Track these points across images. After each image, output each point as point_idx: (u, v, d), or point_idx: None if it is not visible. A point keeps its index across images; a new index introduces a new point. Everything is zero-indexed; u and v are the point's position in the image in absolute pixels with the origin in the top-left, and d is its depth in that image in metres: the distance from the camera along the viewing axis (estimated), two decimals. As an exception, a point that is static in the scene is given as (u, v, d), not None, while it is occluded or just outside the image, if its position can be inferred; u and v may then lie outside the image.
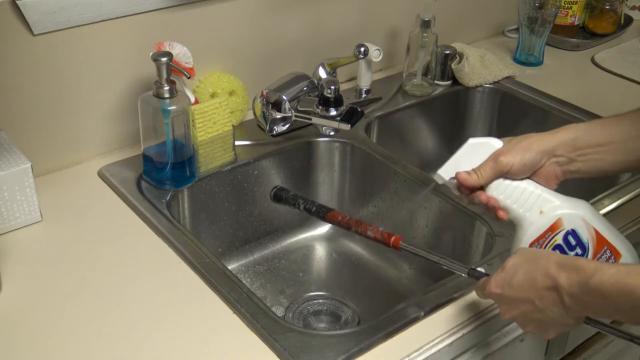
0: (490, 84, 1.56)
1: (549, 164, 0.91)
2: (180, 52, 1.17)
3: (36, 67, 1.12)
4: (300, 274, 1.30)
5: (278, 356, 0.86)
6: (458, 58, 1.52)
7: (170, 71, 1.10)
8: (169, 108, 1.11)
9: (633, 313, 0.73)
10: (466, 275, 0.91)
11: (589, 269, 0.74)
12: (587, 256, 0.88)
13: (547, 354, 1.15)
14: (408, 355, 0.88)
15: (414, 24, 1.45)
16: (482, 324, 0.94)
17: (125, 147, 1.27)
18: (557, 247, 0.88)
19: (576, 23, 1.77)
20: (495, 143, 0.94)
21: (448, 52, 1.51)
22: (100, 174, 1.20)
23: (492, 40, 1.79)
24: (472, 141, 0.95)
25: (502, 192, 0.92)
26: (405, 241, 0.97)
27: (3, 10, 1.06)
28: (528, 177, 0.92)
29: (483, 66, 1.54)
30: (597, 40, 1.79)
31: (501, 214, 0.92)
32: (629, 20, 1.87)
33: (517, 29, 1.70)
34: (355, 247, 1.36)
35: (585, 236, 0.88)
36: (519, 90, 1.55)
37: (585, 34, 1.82)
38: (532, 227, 0.90)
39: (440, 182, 0.97)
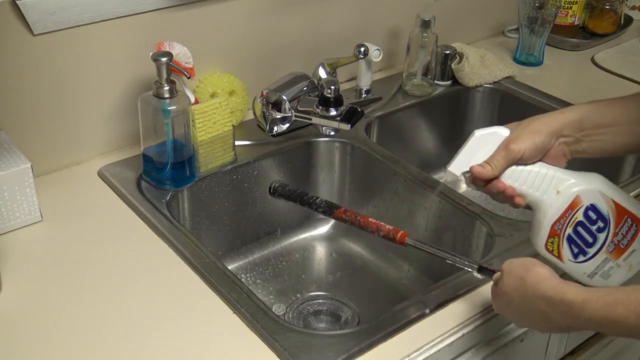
0: (490, 84, 1.56)
1: (558, 144, 0.91)
2: (180, 52, 1.18)
3: (36, 67, 1.12)
4: (300, 274, 1.30)
5: (278, 356, 0.86)
6: (458, 58, 1.52)
7: (170, 71, 1.10)
8: (169, 108, 1.11)
9: (628, 335, 0.74)
10: (476, 272, 0.91)
11: (577, 304, 0.75)
12: (609, 228, 0.88)
13: (547, 354, 1.15)
14: (408, 355, 0.88)
15: (414, 24, 1.45)
16: (482, 324, 0.94)
17: (125, 147, 1.27)
18: (579, 223, 0.88)
19: (576, 23, 1.77)
20: (503, 132, 0.93)
21: (448, 52, 1.51)
22: (100, 174, 1.20)
23: (492, 40, 1.79)
24: (478, 133, 0.94)
25: (517, 179, 0.91)
26: (411, 237, 0.96)
27: (3, 10, 1.06)
28: (539, 160, 0.92)
29: (483, 66, 1.54)
30: (597, 40, 1.79)
31: (518, 200, 0.92)
32: (629, 20, 1.87)
33: (517, 29, 1.70)
34: (355, 247, 1.36)
35: (605, 209, 0.88)
36: (519, 90, 1.55)
37: (585, 34, 1.82)
38: (551, 209, 0.89)
39: (450, 179, 0.96)
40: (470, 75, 1.52)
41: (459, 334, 0.92)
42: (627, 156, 1.37)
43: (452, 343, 0.91)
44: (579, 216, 0.89)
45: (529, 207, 0.92)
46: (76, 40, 1.14)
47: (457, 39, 1.61)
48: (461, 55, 1.52)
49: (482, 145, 0.93)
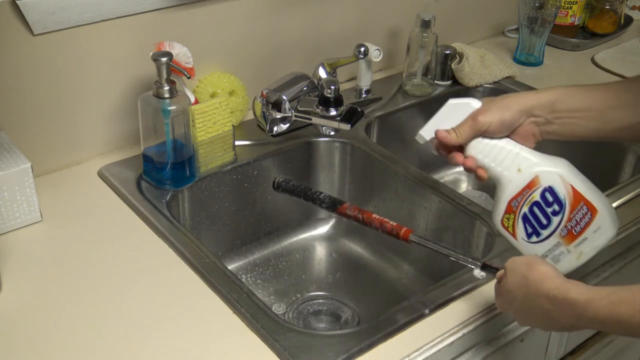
0: (490, 84, 1.56)
1: (527, 123, 0.91)
2: (180, 52, 1.18)
3: (36, 67, 1.12)
4: (301, 274, 1.30)
5: (278, 356, 0.86)
6: (458, 58, 1.53)
7: (170, 71, 1.10)
8: (169, 108, 1.11)
9: (632, 334, 0.74)
10: (480, 270, 0.91)
11: (581, 303, 0.75)
12: (564, 212, 0.89)
13: (547, 354, 1.15)
14: (408, 355, 0.88)
15: (414, 24, 1.45)
16: (482, 324, 0.94)
17: (125, 147, 1.27)
18: (535, 203, 0.90)
19: (576, 23, 1.77)
20: (475, 103, 0.95)
21: (448, 52, 1.51)
22: (100, 174, 1.20)
23: (492, 40, 1.79)
24: (452, 101, 0.96)
25: (481, 151, 0.93)
26: (415, 234, 0.95)
27: (3, 10, 1.06)
28: (507, 136, 0.93)
29: (483, 66, 1.54)
30: (597, 40, 1.79)
31: (480, 172, 0.93)
32: (629, 20, 1.87)
33: (517, 29, 1.70)
34: (355, 247, 1.36)
35: (562, 193, 0.89)
36: (519, 90, 1.55)
37: (585, 34, 1.82)
38: (510, 185, 0.91)
39: (421, 142, 0.99)
40: (470, 75, 1.52)
41: (459, 334, 0.92)
42: (627, 156, 1.37)
43: (452, 343, 0.91)
44: (536, 196, 0.89)
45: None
46: (76, 40, 1.14)
47: (457, 39, 1.61)
48: (461, 55, 1.52)
49: (454, 113, 0.95)
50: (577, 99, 0.90)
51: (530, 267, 0.81)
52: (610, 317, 0.73)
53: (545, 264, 0.82)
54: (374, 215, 0.98)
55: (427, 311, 0.94)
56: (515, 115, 0.91)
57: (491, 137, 0.92)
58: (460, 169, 1.62)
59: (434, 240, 0.95)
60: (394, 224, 0.97)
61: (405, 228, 0.96)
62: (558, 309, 0.77)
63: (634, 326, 0.71)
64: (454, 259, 0.93)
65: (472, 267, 0.93)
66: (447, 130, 0.94)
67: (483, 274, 1.00)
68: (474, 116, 0.92)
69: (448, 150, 0.95)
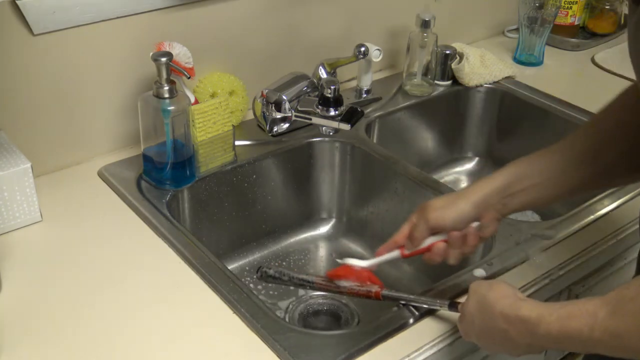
0: (490, 84, 1.56)
1: (486, 213, 0.91)
2: (180, 52, 1.18)
3: (36, 67, 1.12)
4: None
5: (278, 356, 0.86)
6: (458, 58, 1.52)
7: (170, 71, 1.10)
8: (169, 108, 1.11)
9: (585, 349, 0.74)
10: (447, 309, 0.90)
11: (532, 319, 0.74)
12: None
13: (547, 354, 1.15)
14: (408, 355, 0.88)
15: (414, 24, 1.45)
16: (482, 324, 0.94)
17: (125, 147, 1.27)
18: None
19: (576, 23, 1.77)
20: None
21: (448, 52, 1.51)
22: (100, 174, 1.20)
23: (492, 40, 1.79)
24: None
25: None
26: (385, 290, 0.94)
27: (3, 10, 1.06)
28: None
29: (483, 66, 1.54)
30: (597, 40, 1.79)
31: None
32: (629, 20, 1.87)
33: (517, 29, 1.70)
34: (355, 247, 1.36)
35: None
36: (519, 90, 1.55)
37: (585, 34, 1.82)
38: None
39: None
40: (470, 75, 1.52)
41: (459, 334, 0.91)
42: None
43: (452, 343, 0.91)
44: None
45: None
46: (76, 40, 1.14)
47: (457, 39, 1.61)
48: (461, 55, 1.52)
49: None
50: (526, 175, 0.90)
51: (490, 287, 0.81)
52: (561, 332, 0.72)
53: (507, 284, 0.81)
54: (343, 285, 0.96)
55: (427, 311, 0.93)
56: (471, 212, 0.90)
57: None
58: (461, 169, 1.63)
59: (404, 292, 0.95)
60: (363, 289, 0.94)
61: (375, 288, 0.93)
62: (513, 328, 0.77)
63: (584, 340, 0.70)
64: (422, 305, 0.93)
65: (439, 308, 0.92)
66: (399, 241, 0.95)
67: (484, 273, 1.00)
68: (426, 219, 0.91)
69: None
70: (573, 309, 0.72)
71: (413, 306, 0.93)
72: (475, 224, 0.91)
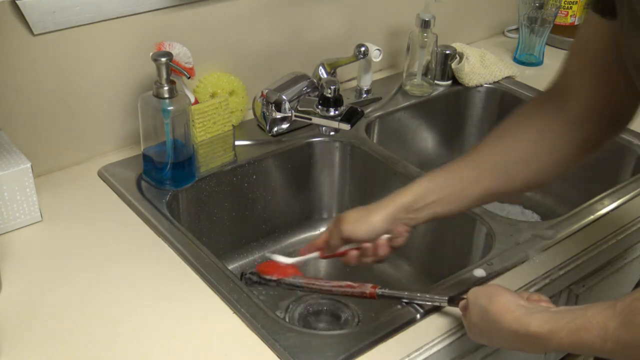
0: (490, 84, 1.56)
1: (395, 226, 0.95)
2: (180, 52, 1.18)
3: (36, 67, 1.12)
4: (300, 274, 1.30)
5: (278, 356, 0.86)
6: (458, 58, 1.53)
7: (170, 71, 1.10)
8: (169, 108, 1.11)
9: (600, 356, 0.74)
10: (447, 305, 0.92)
11: (543, 336, 0.75)
12: None
13: (547, 353, 1.15)
14: (408, 355, 0.88)
15: (414, 24, 1.45)
16: (482, 324, 0.94)
17: (125, 147, 1.27)
18: None
19: (576, 23, 1.77)
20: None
21: (448, 52, 1.51)
22: (100, 174, 1.20)
23: (492, 40, 1.79)
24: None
25: None
26: (380, 288, 0.96)
27: (3, 10, 1.06)
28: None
29: (483, 66, 1.54)
30: (597, 40, 1.79)
31: None
32: (629, 20, 1.87)
33: (517, 29, 1.70)
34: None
35: None
36: (519, 90, 1.55)
37: (585, 34, 1.82)
38: None
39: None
40: (470, 75, 1.52)
41: (459, 334, 0.91)
42: (627, 156, 1.37)
43: (452, 343, 0.91)
44: None
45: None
46: (76, 40, 1.14)
47: (457, 39, 1.61)
48: (461, 55, 1.52)
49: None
50: (431, 191, 0.95)
51: (490, 300, 0.81)
52: (573, 345, 0.74)
53: (505, 294, 0.81)
54: (336, 284, 0.99)
55: (427, 311, 0.93)
56: (381, 226, 0.95)
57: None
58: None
59: (398, 290, 0.97)
60: (357, 289, 0.97)
61: (370, 287, 0.96)
62: (523, 343, 0.78)
63: (597, 350, 0.72)
64: (421, 302, 0.94)
65: (439, 304, 0.93)
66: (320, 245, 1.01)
67: (483, 273, 1.00)
68: (340, 230, 0.96)
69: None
70: (584, 322, 0.72)
71: (417, 304, 0.94)
72: (385, 236, 0.96)
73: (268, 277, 1.01)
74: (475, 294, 0.84)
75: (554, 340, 0.74)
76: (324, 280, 1.02)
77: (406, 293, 0.95)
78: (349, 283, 0.98)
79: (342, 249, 0.99)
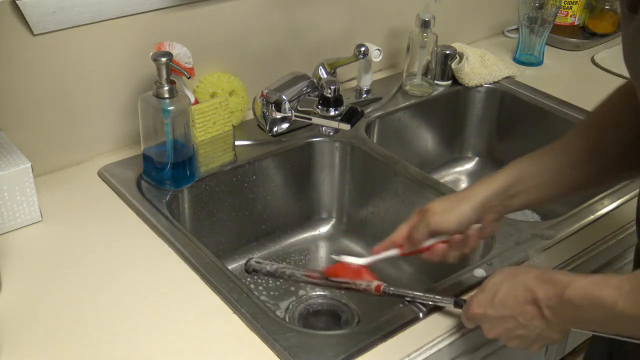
0: (490, 84, 1.56)
1: (487, 214, 0.92)
2: (180, 52, 1.18)
3: (36, 67, 1.12)
4: (300, 274, 1.30)
5: (278, 356, 0.86)
6: (458, 58, 1.53)
7: (170, 71, 1.10)
8: (169, 108, 1.11)
9: (606, 324, 0.75)
10: (453, 306, 0.91)
11: (562, 281, 0.76)
12: None
13: (547, 354, 1.15)
14: (408, 355, 0.88)
15: (414, 24, 1.45)
16: (482, 324, 0.94)
17: (125, 147, 1.27)
18: None
19: (576, 23, 1.77)
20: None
21: (448, 52, 1.51)
22: (100, 174, 1.20)
23: (492, 40, 1.79)
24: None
25: None
26: (387, 286, 0.94)
27: (3, 10, 1.06)
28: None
29: (483, 66, 1.54)
30: (597, 40, 1.79)
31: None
32: (629, 20, 1.87)
33: (517, 29, 1.70)
34: (355, 247, 1.36)
35: None
36: (519, 90, 1.55)
37: (585, 34, 1.82)
38: None
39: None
40: (470, 75, 1.52)
41: (459, 334, 0.91)
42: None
43: (452, 343, 0.91)
44: None
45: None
46: (76, 40, 1.14)
47: (457, 39, 1.61)
48: (461, 55, 1.52)
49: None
50: (527, 176, 0.91)
51: (521, 266, 0.84)
52: (586, 297, 0.73)
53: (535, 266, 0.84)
54: (343, 280, 0.96)
55: (427, 311, 0.93)
56: (472, 215, 0.91)
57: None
58: (461, 169, 1.63)
59: (404, 289, 0.95)
60: (364, 285, 0.94)
61: (376, 283, 0.93)
62: (541, 289, 0.78)
63: (609, 309, 0.71)
64: (429, 302, 0.93)
65: (446, 305, 0.92)
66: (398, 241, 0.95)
67: (484, 273, 1.00)
68: (427, 222, 0.91)
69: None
70: (601, 279, 0.74)
71: (420, 303, 0.94)
72: (476, 226, 0.91)
73: (267, 265, 0.99)
74: (498, 269, 0.86)
75: (570, 289, 0.75)
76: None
77: (411, 292, 0.94)
78: (354, 281, 0.95)
79: (426, 243, 0.92)
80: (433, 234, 0.91)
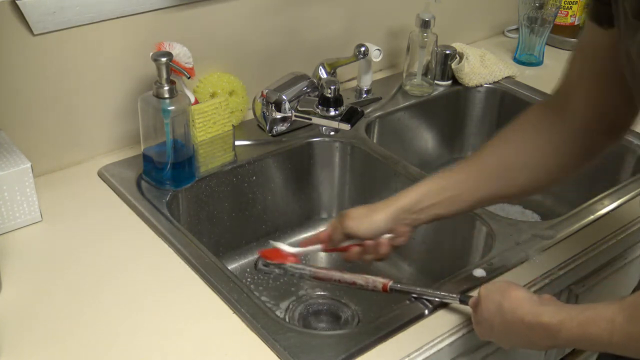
0: (490, 84, 1.56)
1: (397, 226, 0.96)
2: (180, 52, 1.18)
3: (36, 67, 1.12)
4: (300, 274, 1.29)
5: (278, 356, 0.86)
6: (458, 58, 1.53)
7: (170, 71, 1.10)
8: (169, 108, 1.11)
9: (606, 351, 0.76)
10: (458, 302, 0.93)
11: (553, 326, 0.77)
12: None
13: (547, 353, 1.15)
14: (408, 355, 0.88)
15: (414, 24, 1.45)
16: (482, 324, 0.94)
17: (125, 147, 1.27)
18: None
19: (576, 23, 1.77)
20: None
21: (448, 52, 1.51)
22: (100, 174, 1.20)
23: (492, 40, 1.79)
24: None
25: None
26: (394, 283, 0.97)
27: (3, 10, 1.06)
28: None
29: (483, 66, 1.54)
30: (597, 40, 1.79)
31: None
32: (629, 20, 1.87)
33: (517, 29, 1.70)
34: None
35: None
36: (519, 90, 1.55)
37: (585, 34, 1.82)
38: None
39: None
40: (470, 75, 1.52)
41: (459, 334, 0.92)
42: (627, 156, 1.37)
43: (452, 343, 0.91)
44: None
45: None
46: (76, 40, 1.14)
47: (457, 39, 1.61)
48: (461, 55, 1.52)
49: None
50: (434, 192, 0.96)
51: (503, 295, 0.83)
52: (581, 337, 0.75)
53: (518, 289, 0.84)
54: (348, 277, 1.00)
55: (426, 311, 0.94)
56: (384, 225, 0.95)
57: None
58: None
59: (411, 283, 0.99)
60: (371, 283, 0.98)
61: (383, 281, 0.97)
62: (534, 333, 0.80)
63: (605, 343, 0.74)
64: (433, 298, 0.95)
65: (451, 301, 0.94)
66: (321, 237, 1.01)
67: (483, 273, 1.00)
68: (343, 226, 0.97)
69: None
70: (592, 315, 0.75)
71: (426, 299, 0.95)
72: (387, 235, 0.97)
73: (277, 263, 1.01)
74: (487, 290, 0.86)
75: (563, 332, 0.76)
76: (335, 270, 1.02)
77: (418, 289, 0.96)
78: (363, 276, 0.98)
79: (345, 244, 0.99)
80: (348, 237, 0.97)
